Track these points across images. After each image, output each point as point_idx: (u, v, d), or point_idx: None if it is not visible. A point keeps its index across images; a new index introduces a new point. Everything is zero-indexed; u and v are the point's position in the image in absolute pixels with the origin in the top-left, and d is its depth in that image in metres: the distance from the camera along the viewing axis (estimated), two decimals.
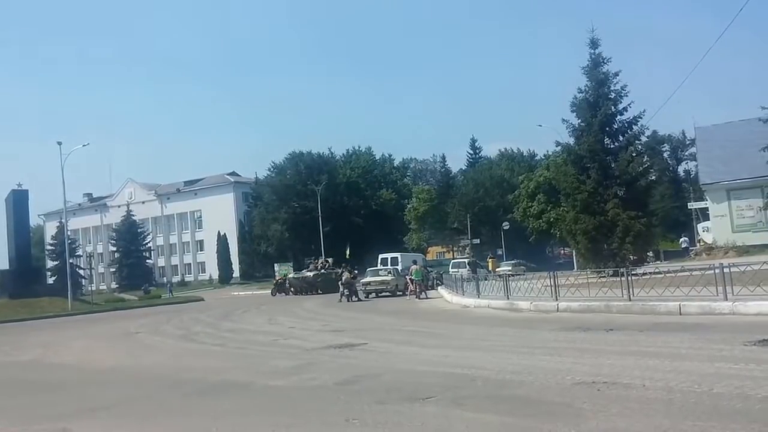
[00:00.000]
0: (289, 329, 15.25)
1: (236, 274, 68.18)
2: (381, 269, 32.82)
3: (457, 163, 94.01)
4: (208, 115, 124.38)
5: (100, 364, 11.22)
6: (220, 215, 72.00)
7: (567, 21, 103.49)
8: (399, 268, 33.76)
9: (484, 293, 18.72)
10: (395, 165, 79.05)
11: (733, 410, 5.02)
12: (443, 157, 78.22)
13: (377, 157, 75.89)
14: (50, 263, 60.01)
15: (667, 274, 15.22)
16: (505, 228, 56.25)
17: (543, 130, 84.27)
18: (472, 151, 75.86)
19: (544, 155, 62.51)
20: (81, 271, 56.22)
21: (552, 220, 49.55)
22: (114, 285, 67.91)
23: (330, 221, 57.72)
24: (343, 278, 26.78)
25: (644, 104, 29.44)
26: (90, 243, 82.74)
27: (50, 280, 52.51)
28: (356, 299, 26.59)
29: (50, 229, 65.41)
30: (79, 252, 63.98)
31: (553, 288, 15.07)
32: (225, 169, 79.04)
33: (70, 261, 43.16)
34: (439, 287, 28.76)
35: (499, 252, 55.65)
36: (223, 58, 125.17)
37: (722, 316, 10.86)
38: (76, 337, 17.78)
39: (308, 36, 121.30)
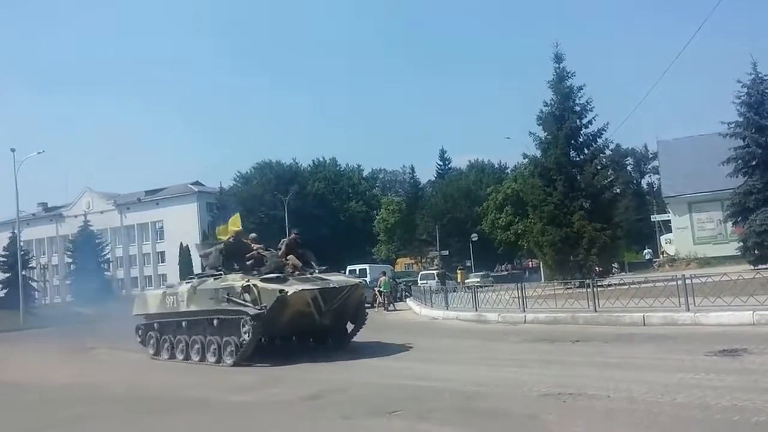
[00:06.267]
0: None
1: None
2: None
3: (427, 174, 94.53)
4: (170, 124, 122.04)
5: (52, 381, 10.71)
6: (183, 226, 70.22)
7: (536, 34, 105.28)
8: (367, 279, 33.59)
9: (453, 305, 18.73)
10: (364, 176, 79.11)
11: (694, 420, 5.08)
12: (412, 168, 78.61)
13: (343, 168, 75.84)
14: (1, 275, 57.91)
15: (632, 286, 15.47)
16: (473, 239, 56.66)
17: (514, 141, 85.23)
18: (441, 163, 76.40)
19: (515, 167, 63.30)
20: (34, 284, 54.41)
21: (520, 231, 50.08)
22: (69, 298, 65.87)
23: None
24: None
25: (608, 118, 30.17)
26: (44, 254, 79.85)
27: (1, 293, 50.60)
28: None
29: (2, 240, 62.93)
30: (33, 264, 61.64)
31: (520, 300, 15.16)
32: (188, 178, 77.59)
33: (23, 273, 41.75)
34: (407, 299, 28.70)
35: (468, 263, 55.98)
36: (184, 66, 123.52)
37: (684, 326, 11.04)
38: (28, 353, 17.03)
39: (276, 46, 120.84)
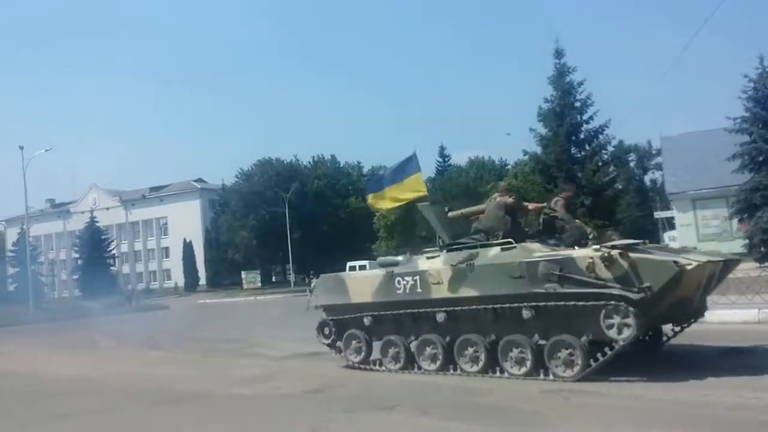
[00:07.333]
0: (256, 337, 14.98)
1: (202, 281, 67.34)
2: None
3: (426, 170, 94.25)
4: (174, 120, 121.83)
5: (61, 373, 10.81)
6: (186, 222, 71.14)
7: (536, 30, 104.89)
8: None
9: None
10: (364, 173, 79.07)
11: (699, 417, 5.04)
12: None
13: (342, 165, 75.95)
14: (11, 270, 58.41)
15: None
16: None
17: (514, 138, 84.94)
18: (441, 159, 76.31)
19: (515, 164, 63.23)
20: (43, 279, 54.86)
21: None
22: (77, 293, 66.38)
23: (298, 229, 57.32)
24: (312, 285, 26.36)
25: (611, 115, 30.15)
26: (52, 250, 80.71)
27: (11, 288, 51.04)
28: None
29: (11, 236, 63.47)
30: (41, 259, 62.21)
31: None
32: (191, 175, 78.05)
33: (32, 268, 42.03)
34: None
35: None
36: (190, 64, 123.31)
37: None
38: (37, 346, 17.15)
39: (275, 42, 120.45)
